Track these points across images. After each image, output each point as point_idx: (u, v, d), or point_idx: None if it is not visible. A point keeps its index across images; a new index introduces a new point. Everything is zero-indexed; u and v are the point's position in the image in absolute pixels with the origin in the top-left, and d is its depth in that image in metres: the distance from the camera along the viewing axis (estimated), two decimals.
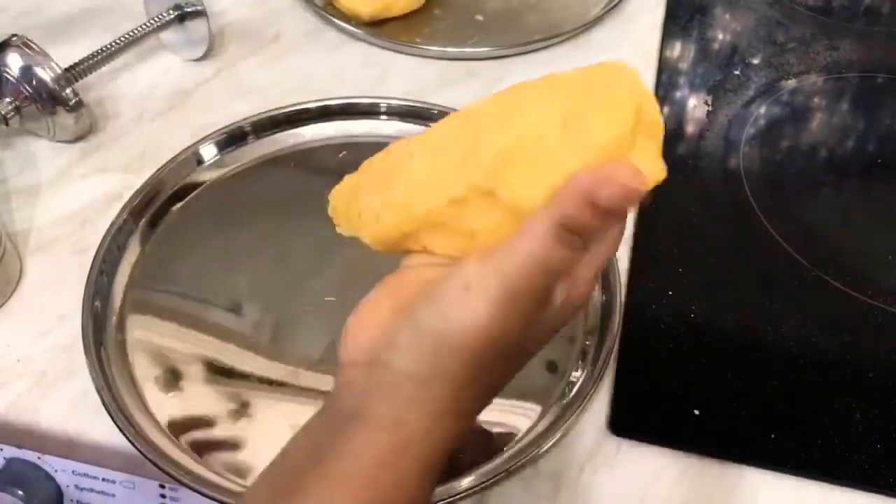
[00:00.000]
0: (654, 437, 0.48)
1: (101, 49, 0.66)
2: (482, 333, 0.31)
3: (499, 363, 0.33)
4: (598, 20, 0.77)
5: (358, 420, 0.31)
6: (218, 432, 0.48)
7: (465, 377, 0.32)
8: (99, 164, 0.63)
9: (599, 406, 0.50)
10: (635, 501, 0.46)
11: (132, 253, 0.56)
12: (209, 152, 0.62)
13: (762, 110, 0.71)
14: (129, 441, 0.45)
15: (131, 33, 0.67)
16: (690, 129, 0.69)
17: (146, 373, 0.50)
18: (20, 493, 0.51)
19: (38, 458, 0.51)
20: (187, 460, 0.46)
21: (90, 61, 0.65)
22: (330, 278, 0.55)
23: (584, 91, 0.34)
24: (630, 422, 0.49)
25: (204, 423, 0.48)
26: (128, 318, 0.53)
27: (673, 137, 0.68)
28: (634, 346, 0.52)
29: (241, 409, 0.49)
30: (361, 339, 0.34)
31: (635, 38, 0.77)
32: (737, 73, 0.74)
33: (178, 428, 0.48)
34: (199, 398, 0.49)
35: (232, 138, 0.63)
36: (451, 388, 0.32)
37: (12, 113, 0.60)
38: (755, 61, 0.75)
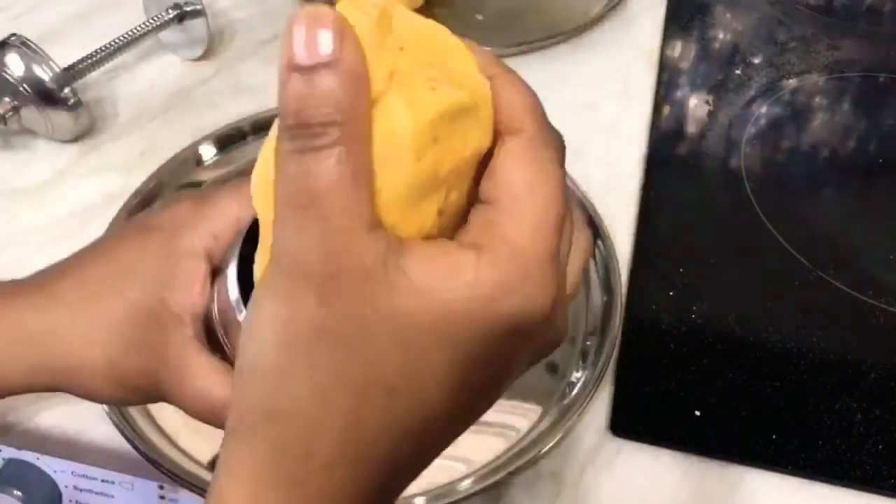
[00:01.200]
0: (655, 438, 0.48)
1: (101, 49, 0.65)
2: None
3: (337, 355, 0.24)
4: (598, 20, 0.77)
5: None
6: (217, 433, 0.48)
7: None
8: (98, 164, 0.62)
9: (600, 407, 0.49)
10: (636, 502, 0.46)
11: None
12: (209, 152, 0.62)
13: (763, 110, 0.70)
14: (129, 441, 0.45)
15: (130, 33, 0.67)
16: (691, 128, 0.69)
17: None
18: (19, 493, 0.50)
19: (37, 458, 0.51)
20: (186, 461, 0.46)
21: (89, 61, 0.64)
22: None
23: None
24: (631, 423, 0.49)
25: (203, 424, 0.48)
26: None
27: (674, 137, 0.67)
28: (634, 346, 0.52)
29: None
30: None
31: (636, 38, 0.76)
32: (738, 72, 0.74)
33: (178, 429, 0.48)
34: None
35: (232, 138, 0.63)
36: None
37: (11, 113, 0.60)
38: (756, 61, 0.75)
